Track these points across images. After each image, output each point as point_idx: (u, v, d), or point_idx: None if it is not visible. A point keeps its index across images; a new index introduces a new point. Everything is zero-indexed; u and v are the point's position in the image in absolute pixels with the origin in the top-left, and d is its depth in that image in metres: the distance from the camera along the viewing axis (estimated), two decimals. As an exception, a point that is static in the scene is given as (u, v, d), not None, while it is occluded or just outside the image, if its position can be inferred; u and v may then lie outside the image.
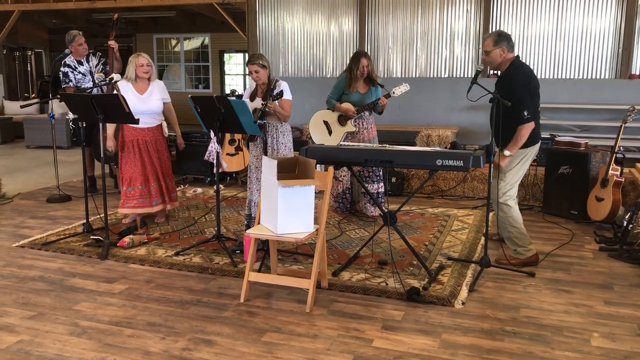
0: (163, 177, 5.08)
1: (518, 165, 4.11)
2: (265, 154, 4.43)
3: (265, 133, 4.58)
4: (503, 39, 4.06)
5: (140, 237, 4.67)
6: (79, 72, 6.19)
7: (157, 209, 5.08)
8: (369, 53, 8.68)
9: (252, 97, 4.67)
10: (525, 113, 3.91)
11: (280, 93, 4.38)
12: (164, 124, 5.11)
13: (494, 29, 8.17)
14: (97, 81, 6.11)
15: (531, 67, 4.41)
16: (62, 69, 6.17)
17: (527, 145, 4.06)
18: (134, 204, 4.93)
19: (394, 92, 5.19)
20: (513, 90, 3.94)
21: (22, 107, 6.24)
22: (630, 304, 3.48)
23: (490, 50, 4.06)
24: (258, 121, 4.49)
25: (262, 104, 4.40)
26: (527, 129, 3.96)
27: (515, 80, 4.00)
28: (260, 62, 4.53)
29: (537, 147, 4.17)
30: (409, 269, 4.04)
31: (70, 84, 6.17)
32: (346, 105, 5.33)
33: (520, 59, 4.18)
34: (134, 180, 4.92)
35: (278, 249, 4.06)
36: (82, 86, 6.13)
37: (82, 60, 6.23)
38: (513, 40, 4.15)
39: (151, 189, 4.99)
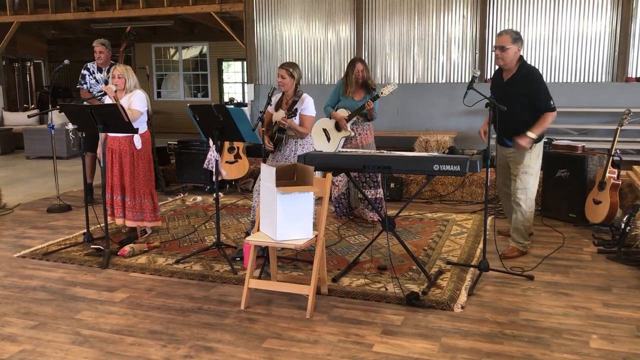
0: (132, 193, 4.85)
1: (539, 158, 4.42)
2: (264, 161, 4.45)
3: (283, 145, 4.60)
4: (519, 38, 4.22)
5: (141, 245, 4.69)
6: (94, 78, 6.29)
7: (130, 224, 4.92)
8: (366, 60, 8.79)
9: (277, 108, 4.70)
10: (552, 102, 4.22)
11: (295, 111, 4.41)
12: (137, 138, 4.79)
13: (490, 34, 8.23)
14: None
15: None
16: (82, 70, 6.34)
17: (541, 138, 4.41)
18: (109, 212, 4.92)
19: (382, 93, 5.21)
20: (536, 84, 4.22)
21: (29, 116, 6.34)
22: (629, 305, 3.50)
23: (509, 47, 4.16)
24: (277, 134, 4.52)
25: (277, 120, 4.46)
26: (552, 117, 4.27)
27: (535, 75, 4.26)
28: (290, 70, 4.56)
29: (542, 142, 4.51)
30: (408, 273, 4.06)
31: (85, 86, 6.30)
32: (341, 113, 5.37)
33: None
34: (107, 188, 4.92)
35: (278, 256, 4.08)
36: (93, 92, 6.21)
37: (103, 68, 6.32)
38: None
39: (113, 201, 4.89)
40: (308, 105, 4.58)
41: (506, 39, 4.15)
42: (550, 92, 4.24)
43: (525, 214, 4.40)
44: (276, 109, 4.70)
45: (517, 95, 4.23)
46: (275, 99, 4.75)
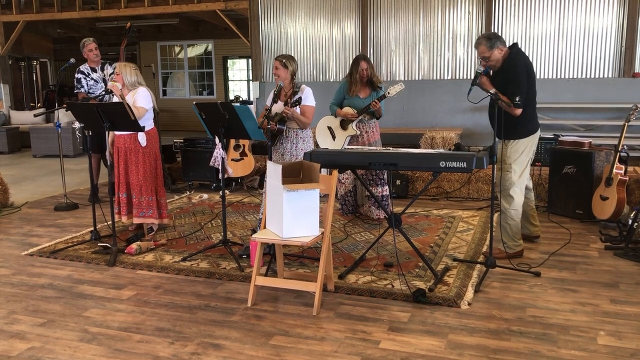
0: (137, 190, 4.86)
1: (522, 155, 4.22)
2: (270, 159, 4.46)
3: (285, 138, 4.59)
4: (495, 40, 4.12)
5: (148, 243, 4.70)
6: (92, 79, 6.27)
7: (135, 220, 4.96)
8: (371, 56, 8.78)
9: (275, 100, 4.70)
10: (517, 99, 4.00)
11: (299, 100, 4.42)
12: (141, 135, 4.78)
13: (496, 30, 8.19)
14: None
15: (534, 67, 4.48)
16: (76, 75, 6.28)
17: (527, 134, 4.21)
18: (116, 210, 4.95)
19: (388, 93, 5.19)
20: (512, 74, 4.06)
21: (36, 115, 6.35)
22: (636, 302, 3.48)
23: (489, 55, 4.12)
24: (278, 126, 4.52)
25: (277, 111, 4.43)
26: (513, 111, 4.03)
27: (515, 64, 4.09)
28: (283, 61, 4.57)
29: (537, 135, 4.30)
30: (414, 270, 4.06)
31: (82, 89, 6.27)
32: (346, 110, 5.36)
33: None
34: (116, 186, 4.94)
35: (284, 253, 4.09)
36: (94, 93, 6.21)
37: (97, 67, 6.31)
38: (504, 38, 4.26)
39: (119, 199, 4.92)
40: (308, 95, 4.61)
41: (483, 50, 4.12)
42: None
43: (506, 211, 4.24)
44: (274, 101, 4.69)
45: (499, 89, 4.06)
46: (272, 93, 4.77)
